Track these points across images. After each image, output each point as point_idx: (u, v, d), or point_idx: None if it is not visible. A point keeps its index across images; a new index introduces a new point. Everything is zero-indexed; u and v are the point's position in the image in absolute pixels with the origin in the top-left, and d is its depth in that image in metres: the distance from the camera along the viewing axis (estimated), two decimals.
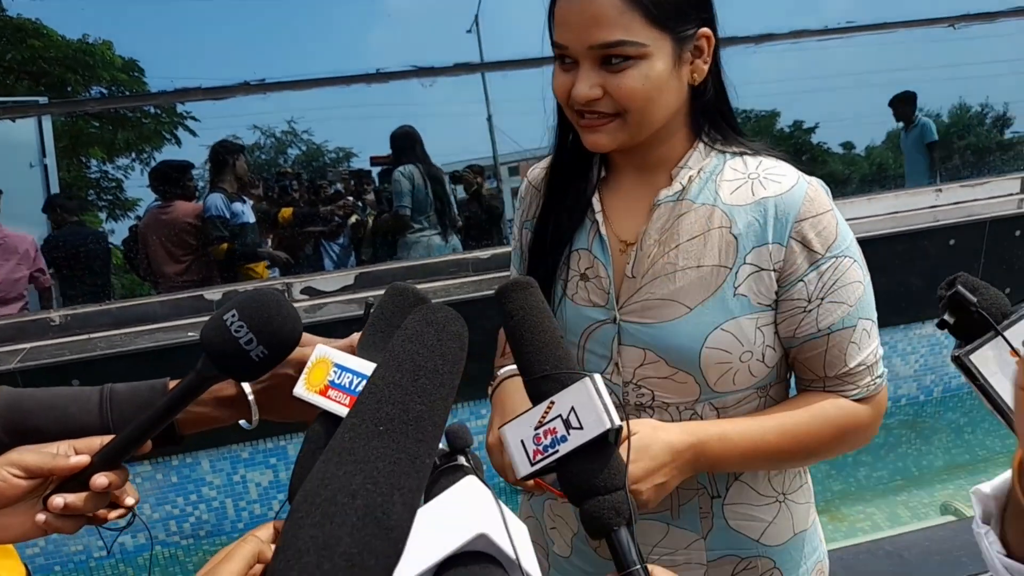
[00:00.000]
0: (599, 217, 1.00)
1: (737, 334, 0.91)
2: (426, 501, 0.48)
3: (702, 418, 0.96)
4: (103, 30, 3.87)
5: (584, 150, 0.96)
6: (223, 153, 3.38)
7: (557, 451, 0.60)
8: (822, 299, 0.88)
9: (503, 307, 0.68)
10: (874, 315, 0.92)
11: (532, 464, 0.62)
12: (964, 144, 5.75)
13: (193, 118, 4.40)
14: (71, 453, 0.67)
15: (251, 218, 3.47)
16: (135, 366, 2.30)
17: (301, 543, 0.36)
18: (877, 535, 2.00)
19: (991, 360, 0.60)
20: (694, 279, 0.92)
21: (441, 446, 0.54)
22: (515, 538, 0.44)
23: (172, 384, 0.79)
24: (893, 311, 2.91)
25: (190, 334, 2.48)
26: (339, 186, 4.55)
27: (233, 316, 0.66)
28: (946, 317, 0.62)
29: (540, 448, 0.61)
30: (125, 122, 4.48)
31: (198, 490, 2.59)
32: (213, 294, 2.68)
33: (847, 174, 6.15)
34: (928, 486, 2.99)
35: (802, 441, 0.93)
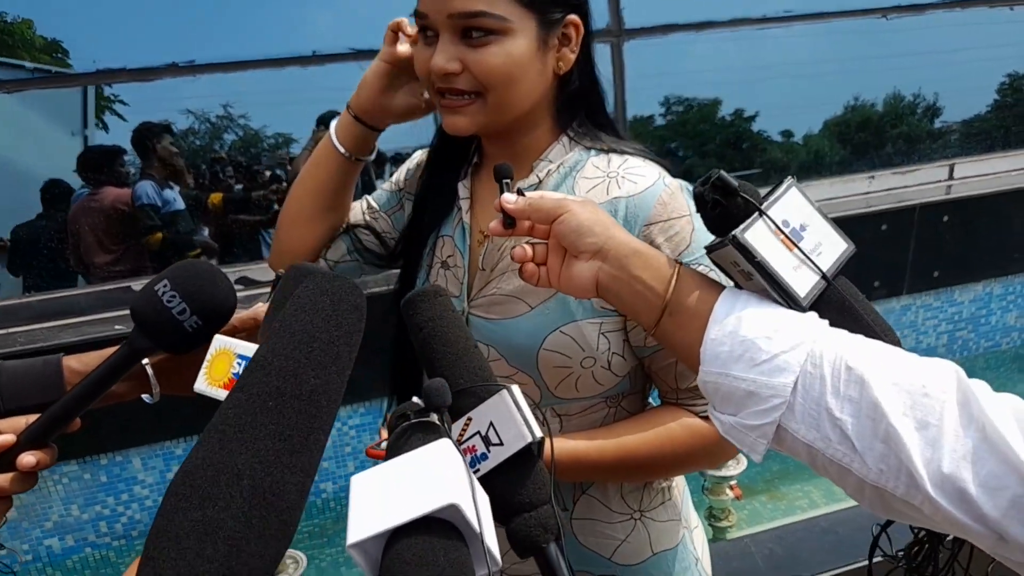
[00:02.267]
0: (463, 204, 0.97)
1: (577, 338, 0.88)
2: (394, 455, 0.46)
3: (544, 424, 0.95)
4: (22, 8, 3.67)
5: (461, 136, 0.92)
6: (145, 136, 3.26)
7: (478, 470, 0.56)
8: None
9: (411, 319, 0.64)
10: None
11: None
12: (896, 133, 5.93)
13: (121, 102, 4.20)
14: None
15: (181, 205, 3.37)
16: None
17: (179, 527, 0.33)
18: (814, 512, 2.05)
19: (761, 237, 0.63)
20: None
21: (416, 400, 0.51)
22: (480, 512, 0.42)
23: (67, 359, 0.75)
24: None
25: (118, 327, 2.39)
26: (278, 171, 4.44)
27: (165, 286, 0.64)
28: (717, 197, 0.64)
29: None
30: None
31: (129, 489, 2.50)
32: (141, 284, 2.59)
33: (786, 161, 6.28)
34: None
35: (642, 461, 0.90)
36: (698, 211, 0.68)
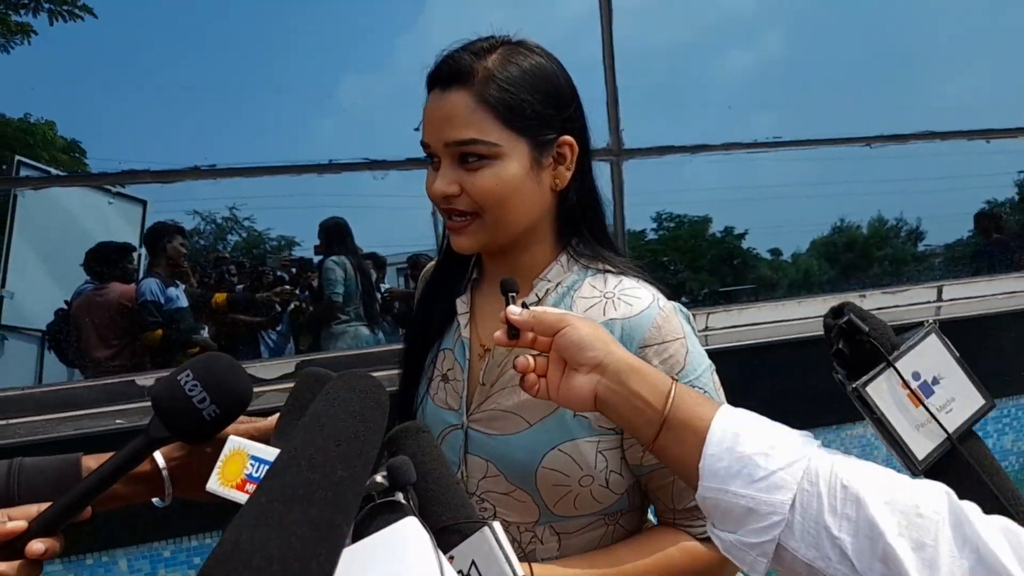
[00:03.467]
0: (463, 319, 0.99)
1: (575, 456, 0.88)
2: (358, 538, 0.46)
3: (542, 541, 0.93)
4: (47, 110, 3.82)
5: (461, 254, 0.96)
6: (158, 236, 3.35)
7: None
8: None
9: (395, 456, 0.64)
10: None
11: None
12: (882, 254, 6.11)
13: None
14: (5, 520, 0.63)
15: (185, 303, 3.41)
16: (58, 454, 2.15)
17: None
18: None
19: (885, 391, 0.62)
20: None
21: (379, 478, 0.52)
22: None
23: (86, 459, 0.77)
24: (822, 412, 2.99)
25: (118, 422, 2.36)
26: (280, 273, 4.51)
27: (188, 375, 0.66)
28: (841, 347, 0.64)
29: None
30: None
31: None
32: (145, 379, 2.58)
33: (775, 278, 6.42)
34: None
35: None
36: (826, 339, 0.67)
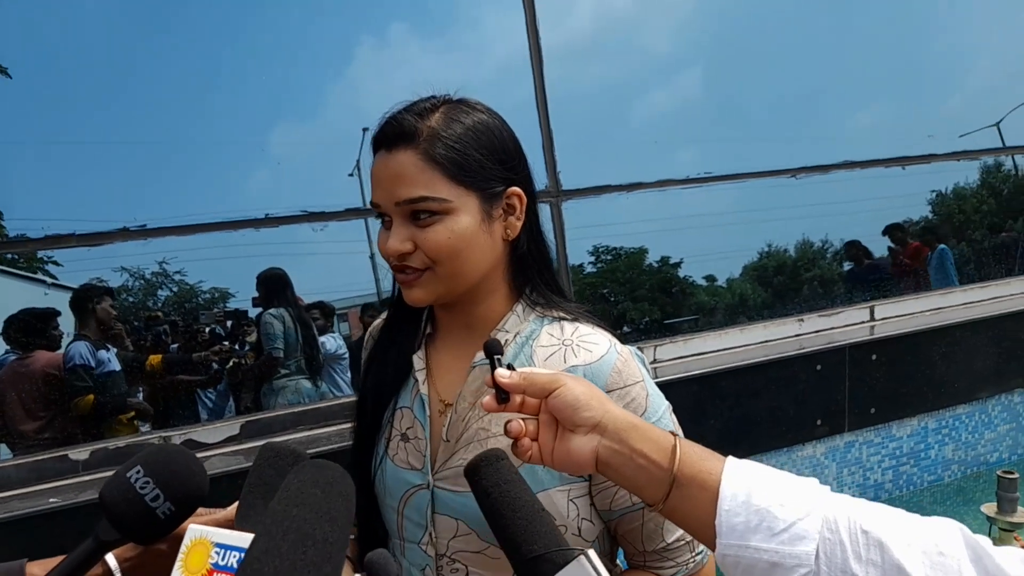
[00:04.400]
0: (420, 375, 0.98)
1: (547, 506, 0.88)
2: None
3: None
4: None
5: (414, 307, 0.96)
6: (85, 298, 3.20)
7: None
8: None
9: (477, 485, 0.64)
10: None
11: None
12: (810, 275, 6.34)
13: (54, 262, 4.13)
14: None
15: (116, 366, 3.26)
16: None
17: None
18: None
19: None
20: (505, 447, 0.91)
21: None
22: None
23: (31, 566, 0.72)
24: (773, 436, 3.05)
25: (52, 500, 2.21)
26: (217, 328, 4.36)
27: (138, 472, 0.62)
28: None
29: None
30: None
31: None
32: (79, 453, 2.43)
33: (713, 304, 6.57)
34: None
35: None
36: None
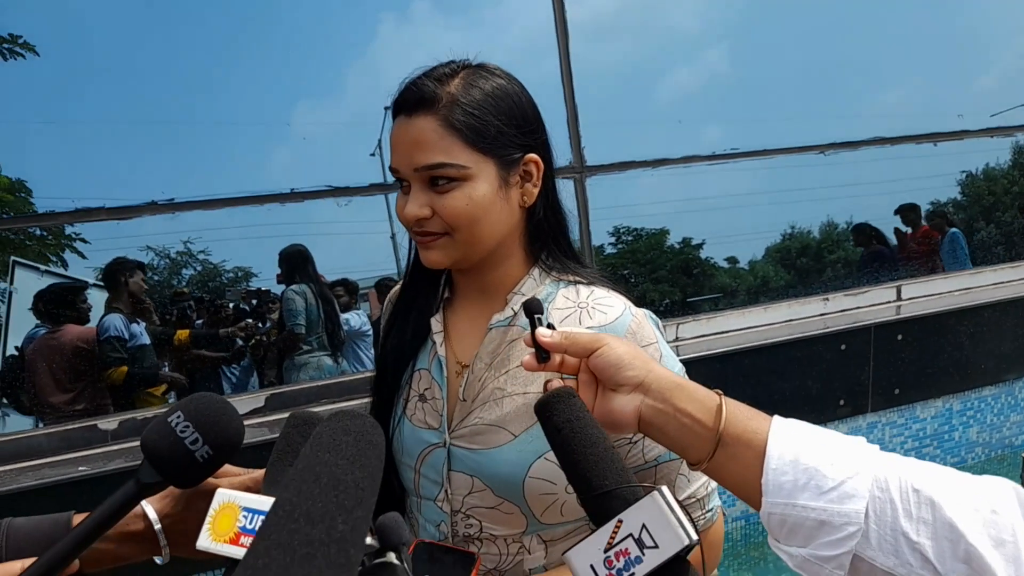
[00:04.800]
0: (437, 338, 1.00)
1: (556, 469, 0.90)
2: None
3: (529, 551, 0.94)
4: None
5: (432, 271, 0.98)
6: (117, 272, 3.25)
7: (633, 573, 0.55)
8: None
9: (548, 421, 0.64)
10: None
11: None
12: (835, 258, 6.28)
13: (83, 240, 4.20)
14: None
15: (147, 340, 3.32)
16: (19, 506, 2.06)
17: None
18: None
19: None
20: (520, 405, 0.91)
21: (369, 539, 0.50)
22: None
23: (78, 517, 0.73)
24: (794, 414, 3.04)
25: (81, 469, 2.27)
26: (242, 304, 4.42)
27: (179, 417, 0.64)
28: None
29: (613, 572, 0.56)
30: (5, 244, 4.23)
31: None
32: (108, 423, 2.48)
33: (735, 286, 6.54)
34: None
35: None
36: None
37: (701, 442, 0.66)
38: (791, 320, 3.35)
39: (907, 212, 5.11)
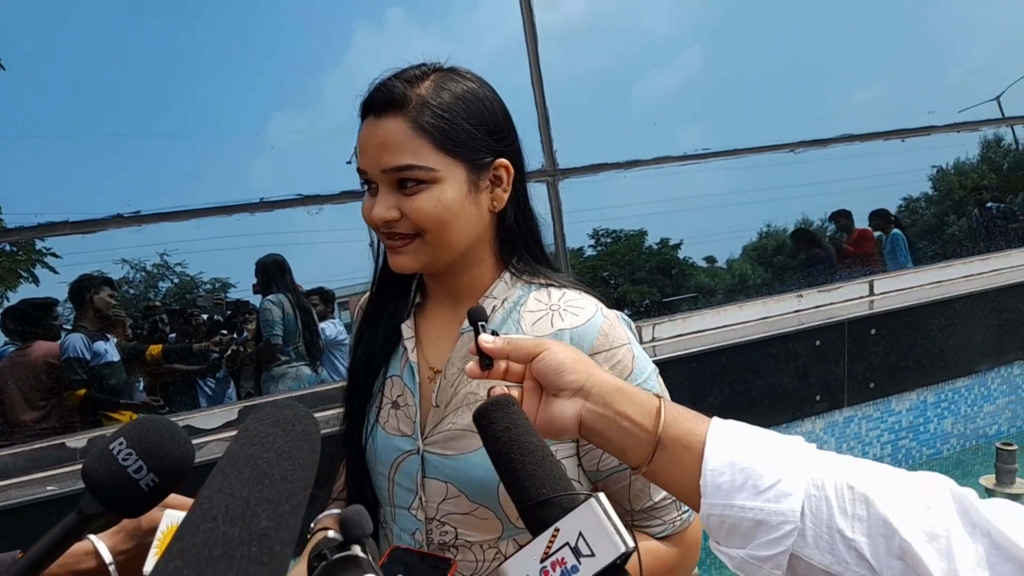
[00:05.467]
0: (409, 344, 0.99)
1: None
2: None
3: (505, 556, 0.91)
4: None
5: (402, 276, 0.97)
6: (83, 289, 3.21)
7: None
8: None
9: (485, 430, 0.64)
10: None
11: None
12: (812, 254, 6.32)
13: (54, 254, 4.14)
14: None
15: (115, 357, 3.26)
16: None
17: None
18: None
19: None
20: None
21: (332, 534, 0.49)
22: None
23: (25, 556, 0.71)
24: (772, 410, 3.05)
25: (50, 488, 2.23)
26: (216, 316, 4.37)
27: (120, 444, 0.60)
28: None
29: None
30: None
31: None
32: (77, 441, 2.44)
33: (713, 285, 6.57)
34: None
35: None
36: None
37: (641, 445, 0.66)
38: (766, 318, 3.37)
39: (839, 218, 5.23)
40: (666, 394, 0.92)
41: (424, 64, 0.93)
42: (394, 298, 1.04)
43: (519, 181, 0.97)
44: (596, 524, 0.55)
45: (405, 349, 0.99)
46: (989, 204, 5.15)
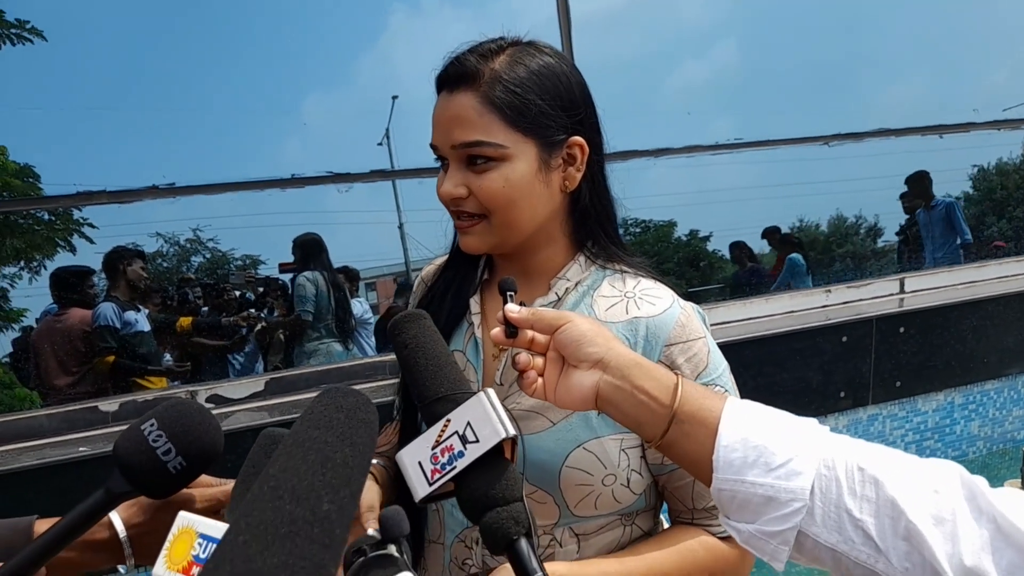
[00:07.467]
0: (475, 319, 0.97)
1: (600, 455, 0.87)
2: None
3: (561, 544, 0.92)
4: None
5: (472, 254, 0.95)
6: (116, 260, 3.28)
7: (455, 467, 0.59)
8: None
9: (397, 338, 0.68)
10: None
11: (430, 484, 0.60)
12: (843, 251, 6.24)
13: (91, 225, 4.22)
14: None
15: (145, 327, 3.33)
16: (20, 485, 2.09)
17: None
18: None
19: None
20: None
21: (371, 531, 0.51)
22: None
23: (40, 523, 0.72)
24: (795, 405, 3.03)
25: (82, 449, 2.29)
26: (247, 294, 4.43)
27: (152, 425, 0.62)
28: None
29: (438, 467, 0.60)
30: (15, 229, 4.26)
31: None
32: (109, 405, 2.51)
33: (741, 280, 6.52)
34: None
35: None
36: None
37: (656, 419, 0.67)
38: (793, 312, 3.33)
39: (771, 235, 5.32)
40: (736, 393, 0.91)
41: (502, 38, 0.90)
42: (462, 272, 1.02)
43: (595, 160, 0.93)
44: (483, 414, 0.60)
45: (471, 324, 0.97)
46: None
